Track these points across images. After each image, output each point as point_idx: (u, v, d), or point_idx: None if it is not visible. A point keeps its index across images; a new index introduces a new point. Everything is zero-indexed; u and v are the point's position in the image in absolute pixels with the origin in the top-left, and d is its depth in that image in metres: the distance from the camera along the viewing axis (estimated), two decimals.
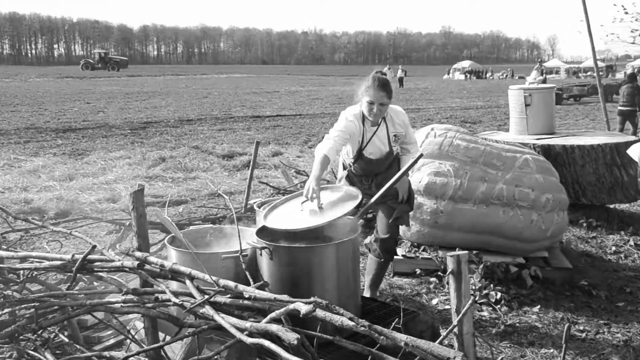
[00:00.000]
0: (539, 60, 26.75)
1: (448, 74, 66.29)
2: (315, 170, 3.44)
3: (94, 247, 3.01)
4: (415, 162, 3.65)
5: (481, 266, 4.60)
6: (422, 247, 5.04)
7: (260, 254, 2.96)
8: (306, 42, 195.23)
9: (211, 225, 3.95)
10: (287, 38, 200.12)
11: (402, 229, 5.09)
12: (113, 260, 2.96)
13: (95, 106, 23.52)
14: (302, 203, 3.11)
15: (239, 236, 2.93)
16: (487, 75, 64.26)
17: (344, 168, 4.20)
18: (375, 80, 3.81)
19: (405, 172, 3.68)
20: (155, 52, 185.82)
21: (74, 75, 54.84)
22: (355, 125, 3.85)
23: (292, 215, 3.11)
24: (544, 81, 25.50)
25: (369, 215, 5.08)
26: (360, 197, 3.33)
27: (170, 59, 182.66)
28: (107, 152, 11.69)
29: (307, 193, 3.29)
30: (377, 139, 3.96)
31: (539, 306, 4.30)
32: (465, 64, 71.33)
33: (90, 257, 3.01)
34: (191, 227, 3.64)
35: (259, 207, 3.77)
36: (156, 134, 14.87)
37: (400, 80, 41.14)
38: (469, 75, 61.23)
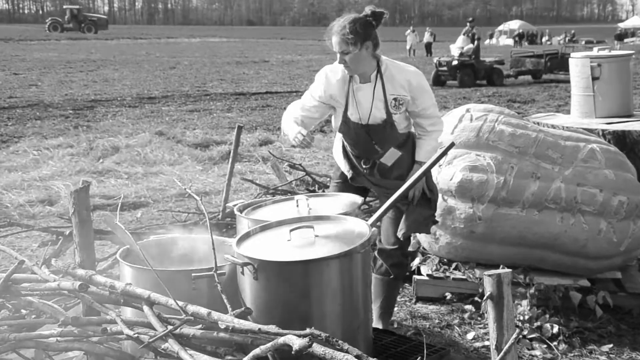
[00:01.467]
0: (469, 20, 24.82)
1: (491, 38, 66.38)
2: (291, 126, 3.96)
3: (22, 262, 3.03)
4: (445, 153, 3.67)
5: (531, 290, 4.60)
6: (453, 265, 5.06)
7: (242, 272, 2.98)
8: None
9: (178, 234, 3.96)
10: None
11: (425, 239, 5.11)
12: (47, 281, 2.98)
13: (25, 78, 23.61)
14: (290, 231, 3.11)
15: (214, 249, 2.94)
16: (543, 40, 64.32)
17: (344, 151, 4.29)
18: (335, 22, 3.97)
19: (431, 167, 3.69)
20: (106, 8, 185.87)
21: (31, 38, 54.83)
22: (327, 81, 4.06)
23: (279, 242, 3.13)
24: (476, 50, 23.26)
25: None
26: (360, 200, 3.40)
27: (126, 18, 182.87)
28: (42, 138, 11.73)
29: (294, 137, 3.77)
30: (365, 99, 4.05)
31: (610, 345, 4.30)
32: (514, 24, 71.44)
33: (16, 275, 3.02)
34: (152, 237, 3.66)
35: (241, 212, 3.79)
36: (107, 116, 14.92)
37: (428, 46, 41.23)
38: (519, 40, 61.27)
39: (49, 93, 19.12)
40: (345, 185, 4.27)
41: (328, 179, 8.04)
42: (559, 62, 25.89)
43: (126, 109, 16.14)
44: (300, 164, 7.62)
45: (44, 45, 46.27)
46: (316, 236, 3.09)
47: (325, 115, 4.22)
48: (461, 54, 22.98)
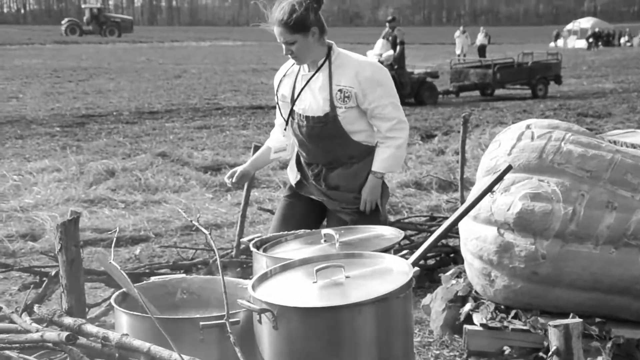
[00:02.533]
0: (389, 19, 22.04)
1: (557, 39, 66.15)
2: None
3: None
4: (501, 178, 3.67)
5: (608, 344, 4.55)
6: (512, 312, 5.02)
7: (259, 320, 2.99)
8: None
9: (184, 275, 3.99)
10: None
11: (478, 281, 5.09)
12: (28, 331, 3.01)
13: (4, 89, 23.88)
14: (316, 271, 3.16)
15: (225, 292, 2.95)
16: (622, 41, 63.94)
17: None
18: (274, 8, 4.24)
19: (485, 194, 3.70)
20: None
21: (11, 42, 55.38)
22: (280, 77, 4.44)
23: (303, 284, 3.16)
24: (400, 56, 20.62)
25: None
26: (401, 235, 3.46)
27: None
28: (24, 161, 11.88)
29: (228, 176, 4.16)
30: (309, 89, 4.30)
31: None
32: (586, 22, 71.12)
33: None
34: (153, 279, 3.69)
35: (258, 248, 3.81)
36: (101, 134, 15.09)
37: (482, 49, 41.19)
38: (594, 42, 60.85)
39: (32, 107, 19.36)
40: (297, 200, 4.42)
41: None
42: (514, 74, 24.19)
43: (123, 126, 16.30)
44: None
45: (26, 51, 46.92)
46: (347, 277, 3.10)
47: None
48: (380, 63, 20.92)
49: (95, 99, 21.48)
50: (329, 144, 4.34)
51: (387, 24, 21.45)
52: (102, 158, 11.91)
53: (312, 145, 4.40)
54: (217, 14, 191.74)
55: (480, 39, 42.07)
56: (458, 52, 41.74)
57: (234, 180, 4.40)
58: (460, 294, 5.18)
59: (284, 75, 4.51)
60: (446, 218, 6.11)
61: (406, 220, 7.18)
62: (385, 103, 4.32)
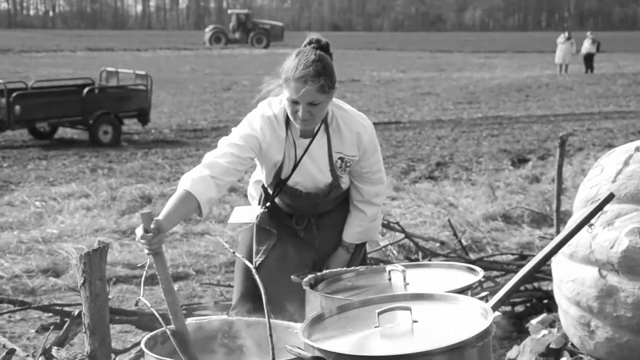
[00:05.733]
0: None
1: None
2: (165, 209, 3.72)
3: (12, 352, 3.14)
4: (600, 208, 3.65)
5: None
6: None
7: None
8: None
9: (226, 317, 4.03)
10: None
11: (575, 332, 5.04)
12: None
13: None
14: (378, 314, 3.18)
15: (271, 336, 2.98)
16: None
17: (264, 197, 4.50)
18: (302, 60, 4.02)
19: (581, 227, 3.68)
20: (139, 7, 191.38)
21: (37, 49, 56.31)
22: (271, 133, 4.16)
23: (363, 329, 3.18)
24: None
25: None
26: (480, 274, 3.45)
27: (165, 21, 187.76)
28: (47, 185, 12.09)
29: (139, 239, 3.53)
30: (310, 160, 4.25)
31: None
32: None
33: None
34: (191, 320, 3.74)
35: (311, 286, 3.84)
36: (136, 155, 15.27)
37: (589, 58, 40.70)
38: None
39: None
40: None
41: (437, 244, 8.05)
42: (53, 107, 16.84)
43: (163, 145, 16.53)
44: (398, 223, 7.66)
45: (54, 59, 47.57)
46: (415, 322, 3.10)
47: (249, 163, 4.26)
48: None
49: None
50: (325, 205, 4.45)
51: None
52: (137, 182, 12.07)
53: (304, 210, 4.49)
54: (275, 17, 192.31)
55: (586, 46, 41.35)
56: (559, 61, 41.21)
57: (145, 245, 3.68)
58: (553, 346, 5.14)
59: (278, 127, 4.24)
60: None
61: (490, 259, 7.14)
62: (378, 168, 4.41)
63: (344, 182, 4.42)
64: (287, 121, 4.22)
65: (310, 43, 4.14)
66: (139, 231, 3.53)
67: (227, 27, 76.14)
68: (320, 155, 4.28)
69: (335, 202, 4.50)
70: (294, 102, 4.04)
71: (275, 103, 4.27)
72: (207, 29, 77.80)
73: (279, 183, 4.35)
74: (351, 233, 4.53)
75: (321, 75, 4.00)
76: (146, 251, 3.53)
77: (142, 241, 3.50)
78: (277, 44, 69.21)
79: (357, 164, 4.35)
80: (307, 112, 4.04)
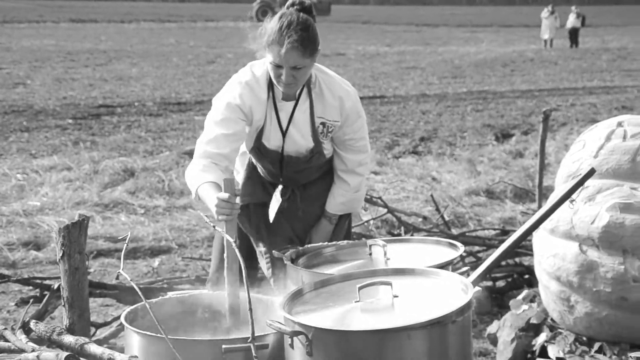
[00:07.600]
0: None
1: None
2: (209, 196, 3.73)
3: None
4: (581, 183, 3.65)
5: None
6: (596, 345, 4.98)
7: (291, 344, 3.00)
8: None
9: (205, 291, 4.02)
10: None
11: (555, 307, 5.06)
12: (23, 350, 3.05)
13: (9, 74, 24.05)
14: (358, 289, 3.17)
15: (251, 310, 2.97)
16: None
17: (247, 165, 4.54)
18: (285, 24, 4.04)
19: (561, 203, 3.67)
20: None
21: (20, 20, 55.51)
22: (250, 97, 4.19)
23: (343, 304, 3.18)
24: None
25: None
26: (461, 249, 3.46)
27: None
28: (29, 157, 12.04)
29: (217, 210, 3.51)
30: (292, 125, 4.27)
31: None
32: None
33: None
34: (170, 295, 3.73)
35: (292, 261, 3.84)
36: (119, 127, 15.20)
37: (573, 33, 40.66)
38: None
39: (42, 95, 19.57)
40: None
41: (420, 219, 8.06)
42: None
43: (146, 119, 16.45)
44: (380, 198, 7.65)
45: (37, 30, 47.14)
46: (395, 297, 3.11)
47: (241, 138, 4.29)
48: None
49: (114, 87, 21.67)
50: (307, 173, 4.46)
51: None
52: (120, 156, 12.02)
53: (287, 176, 4.48)
54: None
55: (571, 20, 41.10)
56: (544, 36, 41.07)
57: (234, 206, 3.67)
58: (533, 321, 5.15)
59: (259, 90, 4.28)
60: None
61: (473, 234, 7.15)
62: (362, 136, 4.42)
63: (327, 149, 4.43)
64: (270, 84, 4.24)
65: (292, 5, 4.15)
66: (214, 199, 3.54)
67: (273, 0, 75.82)
68: (303, 119, 4.29)
69: (319, 172, 4.51)
70: (277, 66, 4.07)
71: (258, 65, 4.30)
72: (254, 4, 77.65)
73: (259, 145, 4.35)
74: (334, 203, 4.54)
75: (304, 39, 4.02)
76: (222, 217, 3.51)
77: (223, 206, 3.49)
78: (325, 18, 68.45)
79: (340, 130, 4.36)
80: (291, 75, 4.06)
